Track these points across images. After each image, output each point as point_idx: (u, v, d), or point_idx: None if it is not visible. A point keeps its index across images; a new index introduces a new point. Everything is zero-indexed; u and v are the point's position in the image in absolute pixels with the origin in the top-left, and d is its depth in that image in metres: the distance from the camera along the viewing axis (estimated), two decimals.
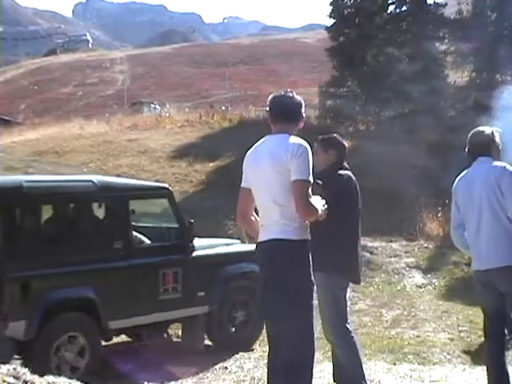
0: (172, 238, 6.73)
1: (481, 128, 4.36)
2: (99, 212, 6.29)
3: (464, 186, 4.24)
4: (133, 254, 6.13)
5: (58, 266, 5.61)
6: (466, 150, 4.33)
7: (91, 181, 6.17)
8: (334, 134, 4.82)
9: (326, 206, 3.64)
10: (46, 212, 6.10)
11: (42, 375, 3.86)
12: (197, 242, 6.63)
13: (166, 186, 6.83)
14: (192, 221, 6.47)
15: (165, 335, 6.88)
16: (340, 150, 4.70)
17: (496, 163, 4.19)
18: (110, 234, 6.07)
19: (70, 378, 4.31)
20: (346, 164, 4.71)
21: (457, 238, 4.33)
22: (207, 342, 6.86)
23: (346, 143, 4.83)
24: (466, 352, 6.91)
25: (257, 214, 3.71)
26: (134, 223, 6.45)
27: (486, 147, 4.24)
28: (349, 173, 4.64)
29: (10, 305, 5.36)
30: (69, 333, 5.57)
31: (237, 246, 7.34)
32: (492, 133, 4.30)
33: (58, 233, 5.99)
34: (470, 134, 4.35)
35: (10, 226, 5.63)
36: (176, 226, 6.60)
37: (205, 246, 6.72)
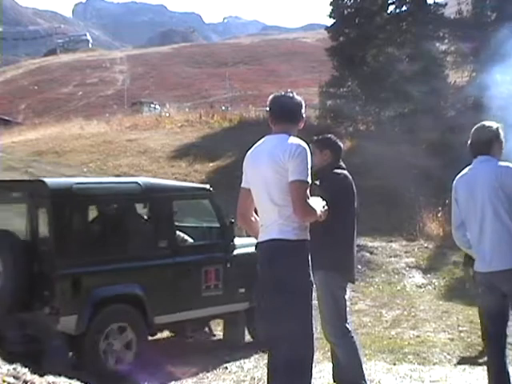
0: (213, 237, 6.97)
1: (486, 123, 4.26)
2: (144, 212, 6.53)
3: (465, 185, 4.18)
4: (177, 253, 6.33)
5: (106, 264, 5.84)
6: (468, 144, 4.24)
7: (136, 182, 6.47)
8: (329, 135, 4.82)
9: (326, 206, 3.64)
10: (95, 212, 6.34)
11: (42, 375, 3.86)
12: (236, 240, 6.81)
13: (208, 187, 7.02)
14: (232, 220, 6.53)
15: (206, 331, 7.12)
16: (335, 149, 4.71)
17: (499, 163, 4.11)
18: (155, 234, 6.32)
19: (70, 378, 4.31)
20: (342, 163, 4.72)
21: (459, 238, 4.27)
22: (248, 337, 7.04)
23: (341, 143, 4.83)
24: (463, 358, 6.89)
25: (256, 214, 3.71)
26: (177, 223, 6.67)
27: (489, 144, 4.15)
28: (345, 172, 4.65)
29: (62, 300, 5.55)
30: (118, 323, 5.81)
31: None
32: (496, 129, 4.20)
33: (106, 232, 6.23)
34: (474, 128, 4.25)
35: (62, 225, 5.84)
36: (217, 225, 6.85)
37: (244, 244, 6.74)
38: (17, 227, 6.05)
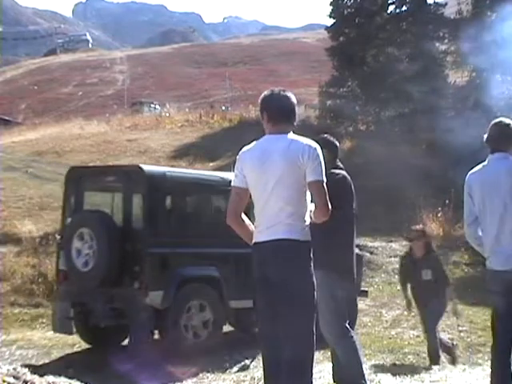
0: None
1: (504, 120, 4.20)
2: (223, 203, 6.81)
3: (481, 183, 4.11)
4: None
5: (190, 247, 6.47)
6: (486, 138, 4.16)
7: (219, 176, 7.10)
8: (325, 135, 4.81)
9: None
10: (182, 200, 7.04)
11: (42, 375, 3.86)
12: None
13: None
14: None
15: None
16: (331, 149, 4.69)
17: None
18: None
19: (70, 378, 4.31)
20: (339, 163, 4.71)
21: (470, 235, 4.22)
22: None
23: (337, 143, 4.82)
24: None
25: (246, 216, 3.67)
26: None
27: (507, 141, 4.11)
28: (343, 172, 4.64)
29: (150, 276, 6.12)
30: (198, 301, 6.46)
31: None
32: None
33: (191, 218, 6.92)
34: (494, 122, 4.18)
35: (154, 208, 6.42)
36: None
37: None
38: (111, 208, 6.75)
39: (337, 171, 4.61)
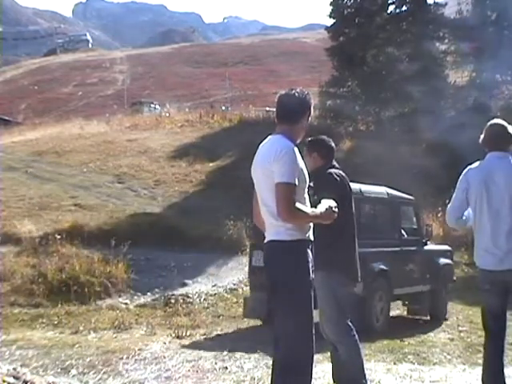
0: (415, 234, 9.23)
1: (500, 121, 4.25)
2: (388, 212, 8.87)
3: (480, 180, 4.12)
4: (402, 243, 8.73)
5: (374, 246, 7.83)
6: (483, 138, 4.19)
7: (385, 192, 8.73)
8: (320, 136, 4.78)
9: (335, 207, 3.60)
10: (369, 210, 8.61)
11: (42, 375, 3.86)
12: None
13: (412, 197, 9.49)
14: (429, 223, 10.15)
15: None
16: (324, 151, 4.68)
17: None
18: (393, 228, 8.77)
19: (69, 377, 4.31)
20: (335, 163, 4.70)
21: (454, 215, 4.24)
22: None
23: (332, 143, 4.79)
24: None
25: None
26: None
27: (506, 142, 4.14)
28: (340, 172, 4.64)
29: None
30: (380, 291, 8.06)
31: (443, 247, 10.35)
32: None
33: (373, 225, 8.47)
34: (490, 124, 4.22)
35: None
36: (415, 226, 9.34)
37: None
38: None
39: (333, 171, 4.61)
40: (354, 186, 7.99)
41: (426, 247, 9.24)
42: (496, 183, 4.06)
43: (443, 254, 9.79)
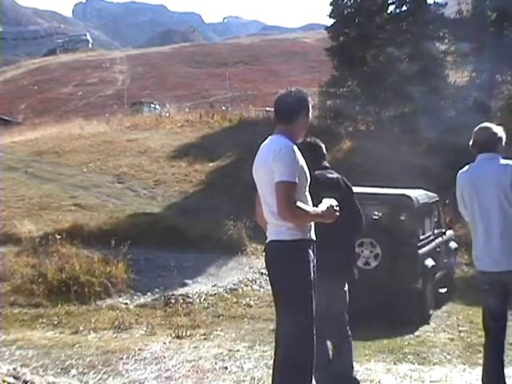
0: (439, 227, 10.30)
1: (487, 124, 4.30)
2: (431, 213, 9.91)
3: (471, 182, 4.16)
4: (437, 236, 9.92)
5: (424, 246, 9.05)
6: (471, 144, 4.24)
7: (429, 195, 10.03)
8: (308, 138, 4.71)
9: (337, 207, 3.60)
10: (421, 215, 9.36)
11: (42, 375, 3.86)
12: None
13: (437, 198, 10.48)
14: (449, 219, 11.09)
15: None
16: (314, 152, 4.60)
17: (504, 161, 4.11)
18: (434, 226, 9.92)
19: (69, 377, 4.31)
20: (325, 163, 4.68)
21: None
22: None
23: (321, 144, 4.73)
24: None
25: None
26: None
27: (494, 144, 4.17)
28: (336, 174, 4.63)
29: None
30: (430, 284, 9.08)
31: (450, 232, 11.02)
32: (500, 130, 4.23)
33: (425, 227, 9.47)
34: (477, 128, 4.26)
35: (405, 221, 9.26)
36: (436, 219, 10.30)
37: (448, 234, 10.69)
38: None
39: (330, 172, 4.61)
40: (410, 195, 9.19)
41: (445, 237, 10.44)
42: (486, 185, 4.09)
43: (452, 239, 11.13)
